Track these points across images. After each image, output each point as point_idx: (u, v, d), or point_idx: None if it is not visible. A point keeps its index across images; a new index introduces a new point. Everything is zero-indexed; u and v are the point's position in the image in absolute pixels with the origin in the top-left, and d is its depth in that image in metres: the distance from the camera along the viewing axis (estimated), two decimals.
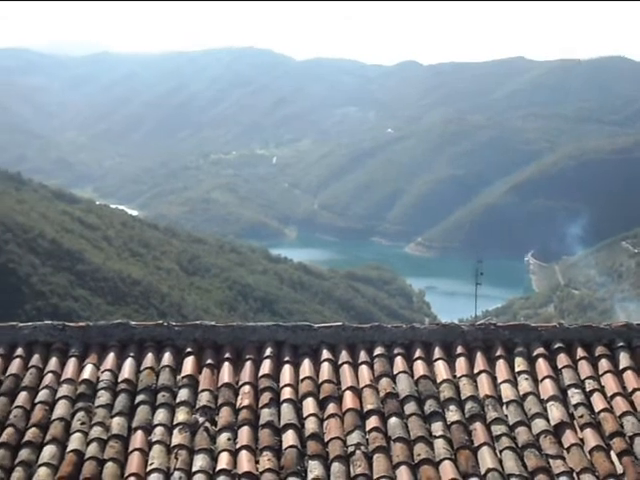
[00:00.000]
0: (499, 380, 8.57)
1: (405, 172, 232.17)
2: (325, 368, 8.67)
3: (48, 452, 7.68)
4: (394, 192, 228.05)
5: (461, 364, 8.77)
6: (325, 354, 8.86)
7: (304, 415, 8.13)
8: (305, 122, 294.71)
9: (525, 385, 8.51)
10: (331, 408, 8.19)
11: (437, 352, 8.90)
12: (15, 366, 8.66)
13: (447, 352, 8.93)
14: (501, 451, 7.78)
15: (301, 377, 8.57)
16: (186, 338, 9.02)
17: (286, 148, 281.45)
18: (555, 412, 8.19)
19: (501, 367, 8.73)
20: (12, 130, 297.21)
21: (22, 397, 8.28)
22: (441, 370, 8.66)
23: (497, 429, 7.98)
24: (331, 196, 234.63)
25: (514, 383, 8.53)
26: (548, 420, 8.13)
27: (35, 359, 8.75)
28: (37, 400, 8.25)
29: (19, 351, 8.85)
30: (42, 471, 7.50)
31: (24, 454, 7.66)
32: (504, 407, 8.25)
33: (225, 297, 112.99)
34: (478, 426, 8.01)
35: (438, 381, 8.54)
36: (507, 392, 8.40)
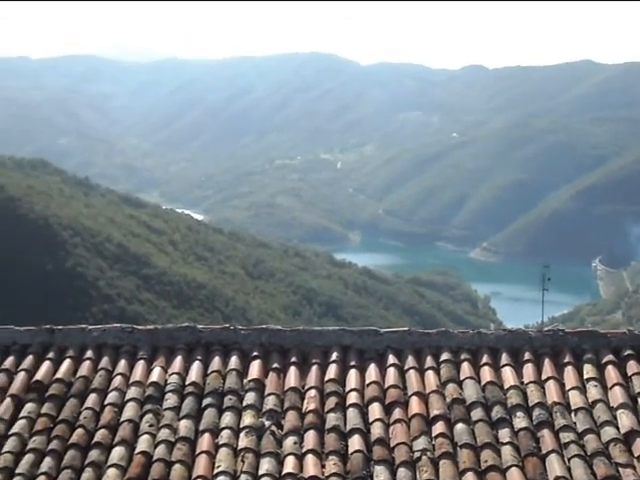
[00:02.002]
0: (567, 387, 8.46)
1: (470, 177, 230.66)
2: (391, 373, 8.64)
3: (117, 453, 7.77)
4: (459, 197, 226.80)
5: (529, 370, 8.67)
6: (391, 359, 8.83)
7: (370, 420, 8.11)
8: (369, 127, 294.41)
9: (594, 392, 8.39)
10: (397, 413, 8.16)
11: (504, 358, 8.82)
12: (85, 368, 8.78)
13: (514, 358, 8.84)
14: (569, 459, 7.67)
15: (367, 382, 8.55)
16: (252, 342, 9.06)
17: (351, 153, 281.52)
18: (625, 420, 8.06)
19: (569, 374, 8.61)
20: (79, 136, 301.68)
21: (92, 399, 8.39)
22: (508, 376, 8.58)
23: (565, 436, 7.88)
24: (396, 201, 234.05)
25: (583, 390, 8.42)
26: (618, 428, 7.99)
27: (104, 361, 8.87)
28: (106, 402, 8.36)
29: (89, 353, 8.97)
30: (111, 472, 7.59)
31: (94, 455, 7.77)
32: (572, 414, 8.14)
33: (289, 301, 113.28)
34: (546, 433, 7.92)
35: (505, 387, 8.45)
36: (576, 399, 8.29)
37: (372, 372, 8.66)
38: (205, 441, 7.90)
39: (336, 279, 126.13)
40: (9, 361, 8.92)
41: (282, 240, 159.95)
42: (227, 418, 8.15)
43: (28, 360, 8.92)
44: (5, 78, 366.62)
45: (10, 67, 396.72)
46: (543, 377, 8.58)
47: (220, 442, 7.90)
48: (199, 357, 8.89)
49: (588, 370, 8.66)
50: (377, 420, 8.08)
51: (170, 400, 8.36)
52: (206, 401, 8.35)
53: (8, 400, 8.39)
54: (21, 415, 8.23)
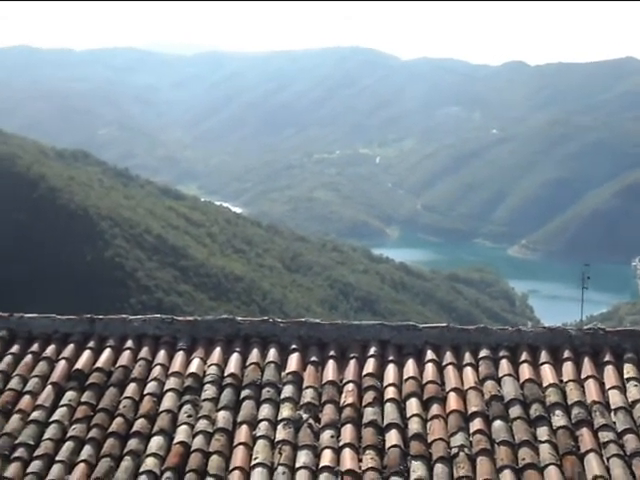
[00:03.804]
0: (607, 386, 8.40)
1: (510, 173, 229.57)
2: (429, 369, 8.63)
3: (156, 443, 7.83)
4: (498, 193, 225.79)
5: (568, 369, 8.62)
6: (429, 355, 8.81)
7: (407, 415, 8.10)
8: (409, 122, 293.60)
9: (634, 392, 8.32)
10: (435, 409, 8.15)
11: (544, 356, 8.77)
12: (125, 358, 8.85)
13: (554, 356, 8.79)
14: (608, 458, 7.62)
15: (405, 377, 8.55)
16: (291, 335, 9.08)
17: (390, 148, 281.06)
18: None
19: (609, 373, 8.55)
20: (121, 127, 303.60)
21: (131, 388, 8.46)
22: (547, 374, 8.53)
23: (604, 436, 7.82)
24: (434, 196, 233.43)
25: (623, 390, 8.35)
26: None
27: (144, 351, 8.93)
28: (146, 392, 8.42)
29: (129, 343, 9.04)
30: (150, 461, 7.65)
31: (133, 444, 7.83)
32: (612, 414, 8.07)
33: (326, 295, 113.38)
34: (585, 432, 7.86)
35: (544, 385, 8.40)
36: (615, 399, 8.22)
37: (410, 367, 8.65)
38: (243, 433, 7.94)
39: (373, 274, 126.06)
40: (50, 349, 9.02)
41: (320, 234, 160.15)
42: (265, 410, 8.19)
43: (69, 349, 9.02)
44: (49, 70, 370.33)
45: (54, 59, 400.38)
46: (583, 376, 8.52)
47: (258, 434, 7.93)
48: (238, 349, 8.93)
49: (628, 370, 8.59)
50: (415, 415, 8.07)
51: (209, 391, 8.41)
52: (244, 393, 8.39)
53: (49, 388, 8.49)
54: (62, 403, 8.32)
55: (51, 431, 8.01)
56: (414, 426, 7.95)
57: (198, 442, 7.83)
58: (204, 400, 8.32)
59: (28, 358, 8.93)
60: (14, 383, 8.60)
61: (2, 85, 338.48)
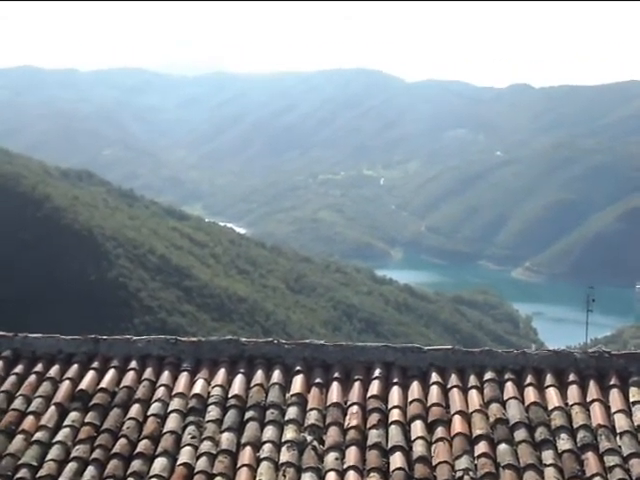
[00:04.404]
0: (613, 410, 8.36)
1: (514, 196, 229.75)
2: (434, 391, 8.60)
3: (159, 464, 7.80)
4: (502, 216, 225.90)
5: (573, 392, 8.58)
6: (434, 377, 8.79)
7: (412, 438, 8.07)
8: (414, 144, 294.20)
9: None
10: (440, 432, 8.11)
11: (549, 379, 8.74)
12: (129, 378, 8.83)
13: (559, 379, 8.76)
14: None
15: (410, 399, 8.52)
16: (295, 356, 9.06)
17: (394, 170, 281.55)
18: None
19: (615, 396, 8.52)
20: (126, 147, 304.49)
21: (135, 409, 8.43)
22: (553, 397, 8.50)
23: (610, 460, 7.78)
24: (439, 218, 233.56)
25: (628, 413, 8.31)
26: None
27: (148, 372, 8.91)
28: (149, 413, 8.39)
29: (133, 364, 9.02)
30: None
31: (136, 465, 7.80)
32: (618, 438, 8.03)
33: (330, 317, 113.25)
34: (590, 456, 7.82)
35: (549, 408, 8.37)
36: (621, 422, 8.18)
37: (415, 389, 8.63)
38: (247, 454, 7.91)
39: (377, 295, 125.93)
40: (54, 370, 9.00)
41: (324, 255, 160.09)
42: (269, 432, 8.16)
43: (73, 369, 9.00)
44: (54, 90, 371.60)
45: (59, 79, 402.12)
46: (588, 399, 8.49)
47: (262, 456, 7.90)
48: (242, 370, 8.91)
49: (634, 393, 8.55)
50: (419, 438, 8.04)
51: (213, 412, 8.38)
52: (248, 414, 8.36)
53: (53, 408, 8.47)
54: (65, 424, 8.29)
55: (54, 452, 7.98)
56: (419, 449, 7.92)
57: (202, 464, 7.80)
58: (208, 421, 8.29)
59: (32, 378, 8.91)
60: (18, 403, 8.58)
61: (7, 105, 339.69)
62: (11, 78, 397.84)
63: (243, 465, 7.79)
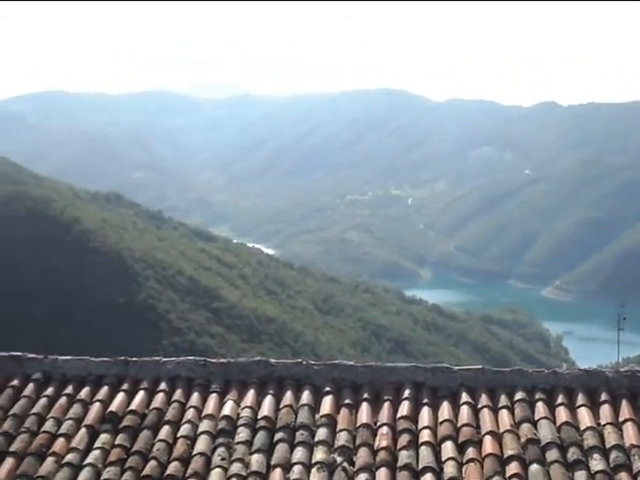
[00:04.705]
0: None
1: (542, 214, 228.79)
2: (464, 411, 8.54)
3: None
4: (531, 234, 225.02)
5: (605, 412, 8.50)
6: (464, 397, 8.73)
7: (443, 459, 8.01)
8: (441, 163, 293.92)
9: None
10: (470, 452, 8.05)
11: (580, 398, 8.65)
12: (159, 400, 8.84)
13: (591, 399, 8.68)
14: None
15: (440, 420, 8.46)
16: (324, 377, 9.03)
17: (422, 189, 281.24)
18: None
19: None
20: (153, 170, 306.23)
21: (165, 431, 8.43)
22: (584, 417, 8.41)
23: None
24: (467, 237, 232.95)
25: None
26: None
27: (178, 394, 8.91)
28: (179, 434, 8.39)
29: (163, 385, 9.03)
30: None
31: None
32: None
33: (359, 337, 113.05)
34: (623, 476, 7.73)
35: (581, 428, 8.28)
36: None
37: (445, 410, 8.57)
38: (277, 476, 7.88)
39: (406, 315, 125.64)
40: (84, 392, 9.03)
41: (352, 275, 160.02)
42: (299, 453, 8.12)
43: (103, 391, 9.02)
44: (83, 114, 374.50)
45: (88, 103, 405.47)
46: (620, 419, 8.39)
47: (292, 477, 7.86)
48: (271, 391, 8.89)
49: None
50: (450, 459, 7.97)
51: (242, 434, 8.37)
52: (278, 436, 8.33)
53: (83, 430, 8.49)
54: (96, 446, 8.30)
55: (85, 474, 7.99)
56: (449, 470, 7.86)
57: None
58: (238, 443, 8.27)
59: (62, 400, 8.93)
60: (49, 426, 8.60)
61: (37, 129, 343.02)
62: (40, 102, 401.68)
63: None
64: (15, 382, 9.19)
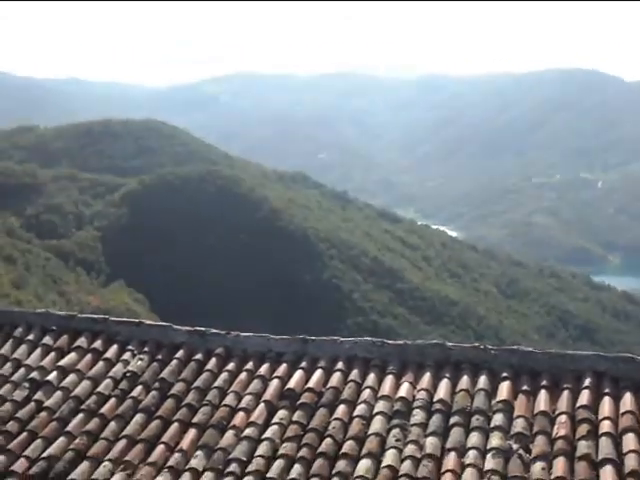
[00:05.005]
0: None
1: None
2: None
3: (364, 466, 7.84)
4: None
5: None
6: None
7: (624, 451, 7.76)
8: (634, 145, 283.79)
9: None
10: None
11: None
12: (335, 379, 8.94)
13: None
14: None
15: (622, 411, 8.19)
16: (502, 362, 8.90)
17: (613, 172, 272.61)
18: None
19: None
20: (340, 150, 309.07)
21: (341, 410, 8.52)
22: None
23: None
24: None
25: None
26: None
27: (354, 374, 8.99)
28: (355, 414, 8.46)
29: (339, 365, 9.12)
30: None
31: (341, 465, 7.88)
32: None
33: (543, 322, 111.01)
34: None
35: None
36: None
37: (627, 401, 8.29)
38: (451, 460, 7.83)
39: (593, 302, 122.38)
40: (264, 368, 9.23)
41: (537, 260, 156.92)
42: (474, 438, 8.05)
43: (282, 368, 9.19)
44: (272, 94, 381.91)
45: (279, 83, 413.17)
46: None
47: (466, 462, 7.80)
48: (448, 375, 8.83)
49: None
50: (631, 451, 7.71)
51: (417, 416, 8.36)
52: (453, 419, 8.28)
53: (262, 406, 8.69)
54: (273, 421, 8.48)
55: (263, 448, 8.18)
56: (631, 462, 7.59)
57: (406, 467, 7.78)
58: (413, 425, 8.26)
59: (243, 376, 9.16)
60: (229, 400, 8.85)
61: (228, 110, 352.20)
62: (232, 84, 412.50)
63: (447, 470, 7.72)
64: (199, 356, 9.50)
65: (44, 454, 8.40)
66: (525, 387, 8.59)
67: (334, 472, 7.83)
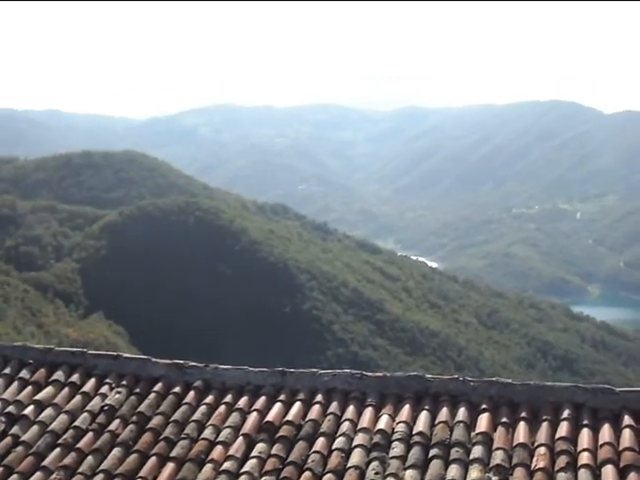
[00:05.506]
0: None
1: None
2: (627, 435, 8.23)
3: None
4: None
5: None
6: (627, 420, 8.41)
7: None
8: (613, 177, 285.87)
9: None
10: (632, 477, 7.74)
11: None
12: (315, 412, 8.89)
13: None
14: None
15: (600, 442, 8.18)
16: (481, 394, 8.88)
17: (591, 203, 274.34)
18: None
19: None
20: (320, 182, 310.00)
21: (320, 443, 8.47)
22: None
23: None
24: (638, 254, 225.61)
25: None
26: None
27: (333, 406, 8.95)
28: (334, 447, 8.41)
29: (319, 397, 9.08)
30: None
31: None
32: None
33: (523, 353, 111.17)
34: None
35: None
36: None
37: (606, 432, 8.28)
38: None
39: (572, 332, 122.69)
40: (243, 401, 9.18)
41: (517, 290, 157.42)
42: (453, 470, 8.02)
43: (261, 401, 9.15)
44: (252, 126, 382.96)
45: (257, 116, 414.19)
46: None
47: None
48: (427, 407, 8.81)
49: None
50: None
51: (397, 449, 8.32)
52: (432, 452, 8.25)
53: (241, 439, 8.63)
54: (252, 454, 8.43)
55: None
56: None
57: None
58: (392, 458, 8.22)
59: (222, 409, 9.11)
60: (208, 433, 8.78)
61: (208, 142, 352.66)
62: (212, 115, 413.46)
63: None
64: (177, 389, 9.44)
65: None
66: (504, 419, 8.57)
67: None
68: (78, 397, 9.47)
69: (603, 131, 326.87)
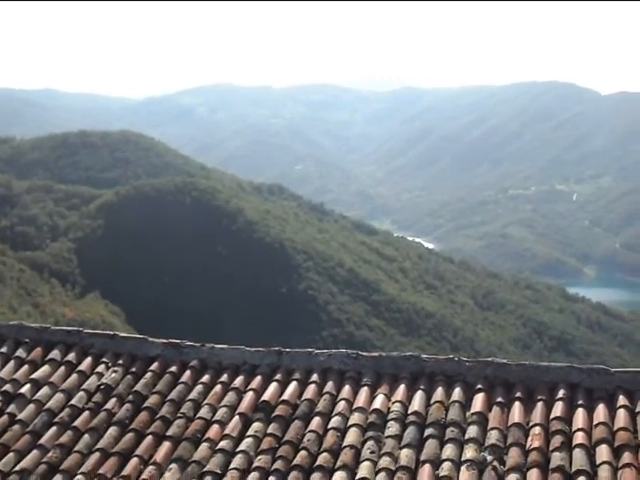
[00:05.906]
0: None
1: None
2: (621, 415, 8.25)
3: (338, 478, 7.82)
4: None
5: None
6: (621, 400, 8.43)
7: (597, 462, 7.77)
8: (608, 158, 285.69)
9: None
10: (626, 457, 7.77)
11: None
12: (310, 391, 8.91)
13: None
14: None
15: (595, 422, 8.21)
16: (477, 374, 8.90)
17: (587, 184, 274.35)
18: None
19: None
20: (317, 162, 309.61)
21: (316, 422, 8.50)
22: None
23: None
24: (634, 235, 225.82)
25: None
26: None
27: (329, 386, 8.97)
28: (329, 426, 8.43)
29: (314, 377, 9.10)
30: None
31: (316, 478, 7.85)
32: None
33: (519, 334, 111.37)
34: None
35: None
36: None
37: (600, 412, 8.31)
38: (425, 472, 7.82)
39: (568, 313, 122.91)
40: (239, 380, 9.20)
41: (513, 271, 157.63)
42: (448, 450, 8.04)
43: (257, 380, 9.17)
44: (248, 107, 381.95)
45: (254, 96, 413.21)
46: None
47: (440, 474, 7.79)
48: (422, 387, 8.83)
49: None
50: (605, 463, 7.72)
51: (392, 428, 8.34)
52: (428, 431, 8.27)
53: (237, 418, 8.65)
54: (248, 433, 8.45)
55: (237, 461, 8.14)
56: (604, 474, 7.61)
57: (380, 479, 7.78)
58: (387, 437, 8.25)
59: (218, 388, 9.12)
60: (204, 412, 8.80)
61: (205, 122, 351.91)
62: (208, 95, 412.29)
63: None
64: (173, 369, 9.46)
65: (16, 467, 8.34)
66: (499, 399, 8.59)
67: None
68: (74, 376, 9.48)
69: (600, 112, 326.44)
